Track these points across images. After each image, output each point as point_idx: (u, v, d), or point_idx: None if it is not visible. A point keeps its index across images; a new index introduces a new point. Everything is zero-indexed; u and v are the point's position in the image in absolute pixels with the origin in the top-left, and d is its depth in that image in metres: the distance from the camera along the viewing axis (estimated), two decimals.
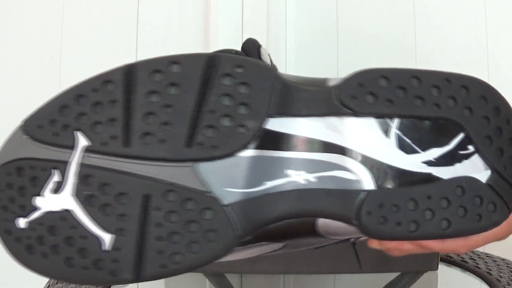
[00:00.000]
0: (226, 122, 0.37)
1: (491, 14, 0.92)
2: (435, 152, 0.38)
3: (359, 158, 0.38)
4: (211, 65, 0.38)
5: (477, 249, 0.74)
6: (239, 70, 0.38)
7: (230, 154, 0.37)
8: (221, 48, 0.64)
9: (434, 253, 0.53)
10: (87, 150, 0.38)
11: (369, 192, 0.37)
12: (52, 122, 0.38)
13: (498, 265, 0.66)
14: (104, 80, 0.38)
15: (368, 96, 0.37)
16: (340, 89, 0.38)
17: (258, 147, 0.37)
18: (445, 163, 0.38)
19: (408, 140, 0.38)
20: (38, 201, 0.37)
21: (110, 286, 0.53)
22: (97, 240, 0.37)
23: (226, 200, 0.37)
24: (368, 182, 0.37)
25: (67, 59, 0.92)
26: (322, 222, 0.39)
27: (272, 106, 0.37)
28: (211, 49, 0.83)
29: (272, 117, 0.37)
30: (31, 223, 0.37)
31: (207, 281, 0.57)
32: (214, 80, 0.38)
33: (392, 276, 0.57)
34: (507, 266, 0.66)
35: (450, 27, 0.91)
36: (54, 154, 0.38)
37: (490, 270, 0.64)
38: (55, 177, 0.38)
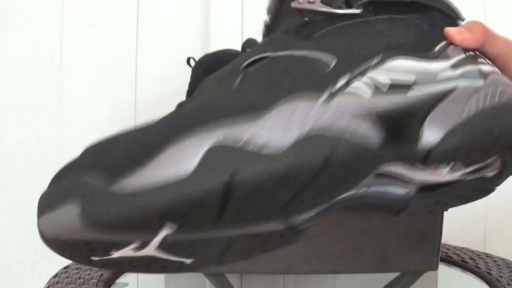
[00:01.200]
0: None
1: (491, 13, 0.92)
2: None
3: None
4: None
5: (477, 249, 0.74)
6: None
7: None
8: (221, 48, 0.65)
9: (434, 253, 0.53)
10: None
11: None
12: None
13: (498, 265, 0.66)
14: None
15: None
16: None
17: None
18: None
19: None
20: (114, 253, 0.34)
21: None
22: None
23: None
24: None
25: (67, 59, 0.93)
26: None
27: None
28: (211, 49, 0.83)
29: None
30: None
31: (207, 281, 0.57)
32: None
33: (392, 276, 0.56)
34: (507, 266, 0.66)
35: None
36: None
37: (490, 270, 0.64)
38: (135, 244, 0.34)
